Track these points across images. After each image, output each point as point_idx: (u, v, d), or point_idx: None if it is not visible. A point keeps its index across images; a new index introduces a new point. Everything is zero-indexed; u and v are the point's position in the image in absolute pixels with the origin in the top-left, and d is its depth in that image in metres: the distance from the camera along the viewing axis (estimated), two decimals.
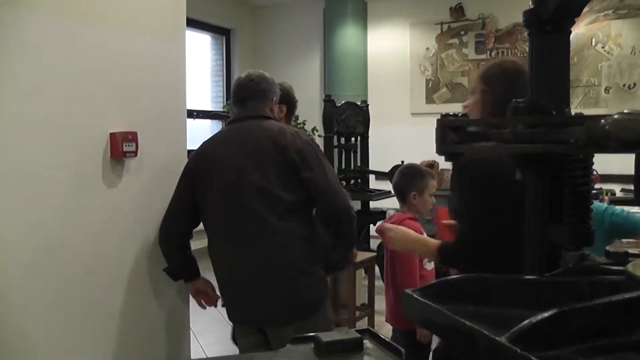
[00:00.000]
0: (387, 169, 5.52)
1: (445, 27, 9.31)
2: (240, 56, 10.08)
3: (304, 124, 8.00)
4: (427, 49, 9.39)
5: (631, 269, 0.91)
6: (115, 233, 2.70)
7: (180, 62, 3.02)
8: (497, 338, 0.78)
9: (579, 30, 8.30)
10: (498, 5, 8.86)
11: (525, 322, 0.78)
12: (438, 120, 1.25)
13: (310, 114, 8.04)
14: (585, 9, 8.36)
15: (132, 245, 2.80)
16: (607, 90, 8.24)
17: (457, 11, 9.25)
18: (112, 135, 2.61)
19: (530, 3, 1.26)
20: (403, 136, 8.97)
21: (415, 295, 1.00)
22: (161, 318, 2.99)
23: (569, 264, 1.10)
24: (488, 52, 9.06)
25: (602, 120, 0.87)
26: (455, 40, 9.26)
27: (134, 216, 2.80)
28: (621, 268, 0.95)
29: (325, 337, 1.11)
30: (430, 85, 9.30)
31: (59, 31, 2.43)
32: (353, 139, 6.89)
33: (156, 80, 2.87)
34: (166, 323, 3.02)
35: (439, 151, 1.24)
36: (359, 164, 6.97)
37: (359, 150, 6.97)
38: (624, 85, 8.03)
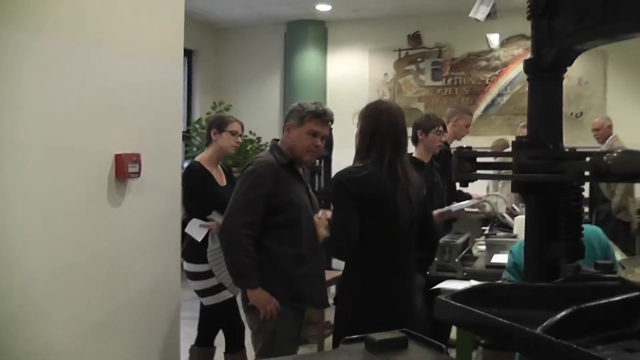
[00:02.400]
0: None
1: (403, 53, 9.63)
2: (202, 77, 10.22)
3: (259, 140, 8.22)
4: (385, 74, 9.69)
5: (625, 275, 1.13)
6: (121, 250, 2.83)
7: (179, 85, 3.19)
8: (533, 331, 0.98)
9: None
10: (454, 35, 9.24)
11: (553, 318, 0.99)
12: (455, 152, 1.47)
13: (270, 136, 8.20)
14: None
15: (137, 261, 2.93)
16: None
17: (415, 39, 9.59)
18: (118, 156, 2.75)
19: (530, 54, 1.49)
20: None
21: (450, 301, 1.20)
22: (163, 332, 3.12)
23: (568, 273, 1.32)
24: (444, 79, 9.42)
25: (604, 157, 1.10)
26: (413, 67, 9.59)
27: (137, 234, 2.94)
28: (615, 275, 1.18)
29: (376, 337, 1.31)
30: None
31: (65, 54, 2.56)
32: (317, 161, 7.07)
33: (157, 103, 3.04)
34: (165, 337, 3.15)
35: (456, 179, 1.46)
36: (322, 186, 7.17)
37: (322, 172, 7.17)
38: (572, 113, 8.46)
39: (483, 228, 5.34)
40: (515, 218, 4.50)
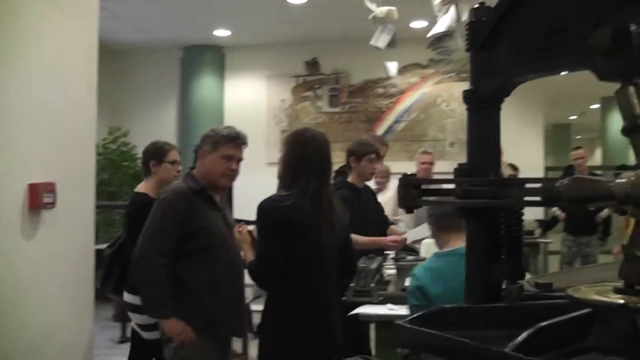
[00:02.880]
0: (250, 217, 5.69)
1: (300, 80, 9.77)
2: (98, 102, 9.95)
3: None
4: (283, 100, 9.79)
5: (571, 292, 1.20)
6: (32, 284, 2.72)
7: (93, 110, 3.11)
8: (503, 350, 1.03)
9: (426, 90, 9.05)
10: (351, 62, 9.46)
11: (520, 337, 1.04)
12: (401, 179, 1.52)
13: None
14: (432, 71, 9.18)
15: (48, 295, 2.82)
16: (452, 144, 9.01)
17: (313, 65, 9.75)
18: (32, 186, 2.63)
19: (470, 85, 1.56)
20: (260, 185, 9.19)
21: (408, 325, 1.23)
22: None
23: (513, 294, 1.38)
24: (342, 106, 9.61)
25: (557, 184, 1.17)
26: (310, 93, 9.74)
27: (50, 268, 2.82)
28: (562, 294, 1.25)
29: None
30: (285, 136, 9.60)
31: None
32: None
33: (70, 129, 2.94)
34: None
35: (403, 205, 1.51)
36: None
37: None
38: None
39: (386, 252, 5.43)
40: (423, 242, 4.62)
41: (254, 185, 9.49)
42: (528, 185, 1.41)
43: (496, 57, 1.47)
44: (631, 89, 1.11)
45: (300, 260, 2.84)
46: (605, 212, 7.37)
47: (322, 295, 2.92)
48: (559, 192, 1.17)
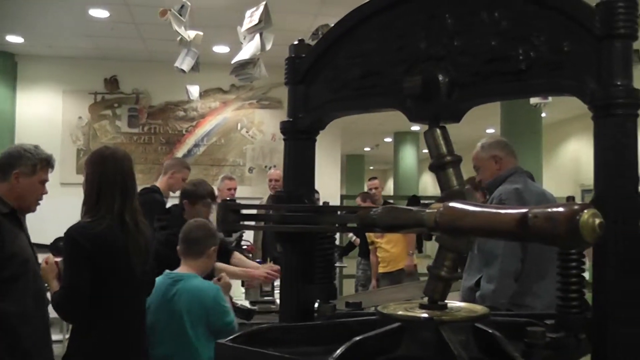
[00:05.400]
0: (43, 241, 5.41)
1: (99, 97, 9.47)
2: None
3: None
4: (80, 118, 9.42)
5: (381, 309, 1.32)
6: None
7: None
8: None
9: (227, 115, 9.17)
10: (152, 82, 9.34)
11: (339, 350, 1.13)
12: (220, 204, 1.58)
13: None
14: (233, 96, 9.33)
15: None
16: (250, 170, 9.19)
17: (112, 83, 9.50)
18: None
19: (287, 116, 1.65)
20: (55, 208, 8.73)
21: (230, 344, 1.29)
22: None
23: (327, 313, 1.49)
24: (141, 127, 9.44)
25: (371, 212, 1.30)
26: (109, 112, 9.47)
27: None
28: (373, 311, 1.37)
29: None
30: (81, 155, 9.23)
31: None
32: None
33: None
34: None
35: (221, 229, 1.57)
36: None
37: None
38: (266, 166, 9.04)
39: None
40: None
41: (47, 207, 8.88)
42: (340, 213, 1.54)
43: (314, 93, 1.58)
44: (438, 131, 1.27)
45: (110, 288, 2.76)
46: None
47: (131, 323, 2.85)
48: (373, 220, 1.30)
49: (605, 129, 1.16)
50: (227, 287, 3.70)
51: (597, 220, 0.95)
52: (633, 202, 1.14)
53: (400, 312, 1.24)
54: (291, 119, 1.63)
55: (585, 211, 0.94)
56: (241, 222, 1.58)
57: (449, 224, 1.11)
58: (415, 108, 1.31)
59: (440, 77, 1.27)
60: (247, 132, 9.27)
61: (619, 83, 1.13)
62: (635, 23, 1.15)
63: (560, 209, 0.95)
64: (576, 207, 0.95)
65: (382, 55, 1.41)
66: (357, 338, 1.15)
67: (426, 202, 1.25)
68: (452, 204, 1.12)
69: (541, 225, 0.96)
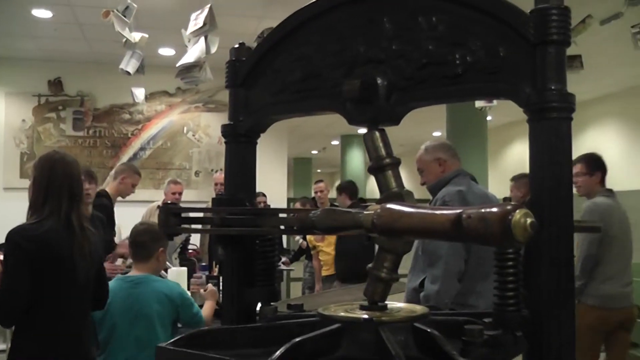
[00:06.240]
0: None
1: (43, 99, 9.28)
2: None
3: None
4: (24, 120, 9.22)
5: (321, 311, 1.33)
6: None
7: None
8: None
9: (173, 118, 9.08)
10: (97, 85, 9.20)
11: (279, 351, 1.14)
12: (161, 207, 1.56)
13: None
14: (179, 99, 9.24)
15: None
16: (197, 173, 9.12)
17: (56, 85, 9.31)
18: None
19: (228, 119, 1.65)
20: None
21: (170, 347, 1.28)
22: None
23: (268, 315, 1.49)
24: (86, 130, 9.29)
25: (310, 214, 1.30)
26: (53, 115, 9.29)
27: None
28: (313, 312, 1.38)
29: None
30: (25, 159, 9.09)
31: None
32: None
33: None
34: None
35: (164, 232, 1.55)
36: None
37: None
38: (212, 170, 8.98)
39: None
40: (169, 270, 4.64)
41: None
42: (282, 215, 1.54)
43: (254, 96, 1.58)
44: (377, 134, 1.28)
45: (52, 292, 2.71)
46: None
47: (73, 329, 2.80)
48: (312, 222, 1.30)
49: (540, 132, 1.18)
50: (214, 295, 4.00)
51: (529, 220, 0.97)
52: (566, 203, 1.17)
53: (340, 314, 1.25)
54: (232, 122, 1.62)
55: (517, 211, 0.96)
56: (182, 226, 1.57)
57: (386, 225, 1.12)
58: (354, 111, 1.32)
59: (379, 81, 1.28)
60: (193, 135, 9.20)
61: (553, 87, 1.16)
62: (568, 30, 1.18)
63: (494, 210, 0.97)
64: (509, 207, 0.97)
65: (322, 58, 1.42)
66: (297, 339, 1.15)
67: (366, 204, 1.26)
68: (389, 206, 1.13)
69: (475, 225, 0.98)
